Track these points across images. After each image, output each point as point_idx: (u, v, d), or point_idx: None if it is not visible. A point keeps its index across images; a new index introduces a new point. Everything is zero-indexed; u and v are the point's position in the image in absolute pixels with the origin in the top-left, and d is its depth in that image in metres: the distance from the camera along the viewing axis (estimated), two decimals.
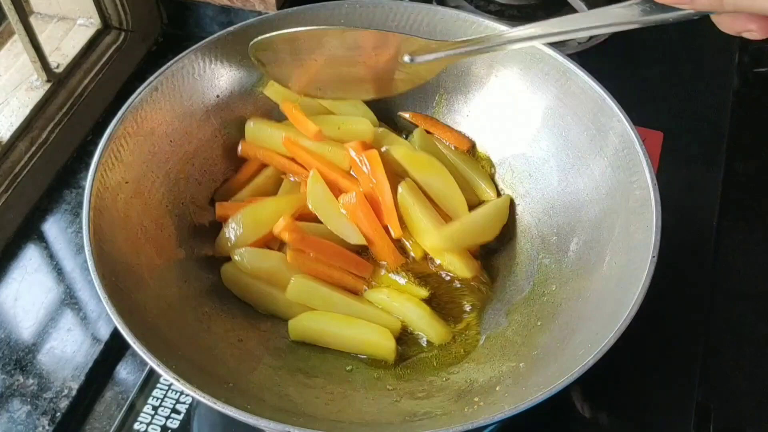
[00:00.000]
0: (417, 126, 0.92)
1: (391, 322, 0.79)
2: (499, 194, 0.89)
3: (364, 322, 0.78)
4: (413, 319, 0.79)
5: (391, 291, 0.80)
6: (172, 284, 0.77)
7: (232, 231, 0.81)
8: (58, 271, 0.92)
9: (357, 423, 0.70)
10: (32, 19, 0.98)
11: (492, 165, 0.90)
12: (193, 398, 0.80)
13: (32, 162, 0.97)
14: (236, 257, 0.79)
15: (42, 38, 1.00)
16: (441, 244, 0.81)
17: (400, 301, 0.80)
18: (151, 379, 0.82)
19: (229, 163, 0.88)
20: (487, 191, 0.88)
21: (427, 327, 0.79)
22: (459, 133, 0.92)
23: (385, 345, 0.77)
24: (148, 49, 1.16)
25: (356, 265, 0.81)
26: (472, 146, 0.92)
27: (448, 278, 0.83)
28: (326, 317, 0.78)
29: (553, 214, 0.85)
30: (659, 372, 0.84)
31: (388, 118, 0.93)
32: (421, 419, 0.71)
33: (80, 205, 0.98)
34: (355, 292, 0.81)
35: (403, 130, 0.93)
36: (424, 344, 0.79)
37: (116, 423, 0.79)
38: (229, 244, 0.81)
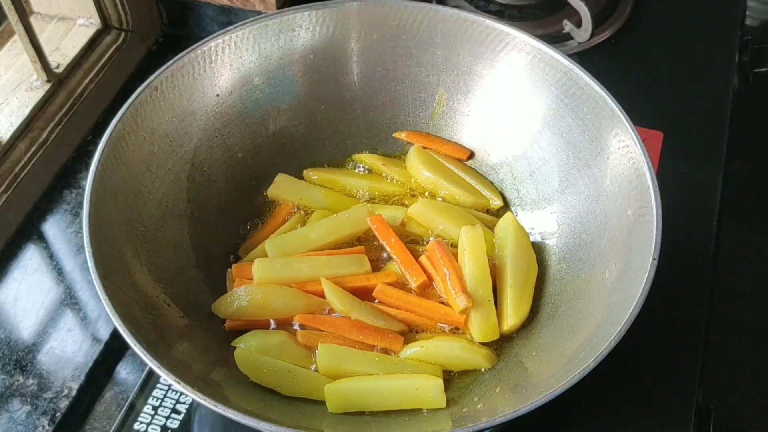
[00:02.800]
0: (413, 144, 0.92)
1: (432, 370, 0.75)
2: (504, 200, 0.89)
3: (406, 375, 0.73)
4: (457, 355, 0.76)
5: (422, 341, 0.77)
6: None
7: (236, 300, 0.78)
8: (58, 271, 0.92)
9: None
10: (32, 19, 0.98)
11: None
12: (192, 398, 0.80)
13: (32, 162, 0.97)
14: (241, 345, 0.75)
15: (42, 38, 1.00)
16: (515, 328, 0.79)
17: (436, 344, 0.76)
18: (151, 379, 0.82)
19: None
20: (493, 200, 0.88)
21: (474, 354, 0.76)
22: (455, 144, 0.92)
23: (435, 391, 0.71)
24: (148, 49, 1.16)
25: (382, 338, 0.77)
26: (471, 155, 0.92)
27: None
28: (365, 378, 0.73)
29: (554, 215, 0.85)
30: (659, 372, 0.84)
31: (383, 140, 0.94)
32: (422, 419, 0.71)
33: (80, 205, 0.98)
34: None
35: (398, 150, 0.93)
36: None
37: (116, 423, 0.79)
38: (230, 310, 0.78)
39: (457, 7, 0.92)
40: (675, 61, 1.14)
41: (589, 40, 1.12)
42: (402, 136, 0.93)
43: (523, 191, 0.88)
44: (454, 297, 0.77)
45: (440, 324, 0.79)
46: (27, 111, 0.98)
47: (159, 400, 0.81)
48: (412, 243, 0.85)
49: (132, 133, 0.77)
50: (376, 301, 0.79)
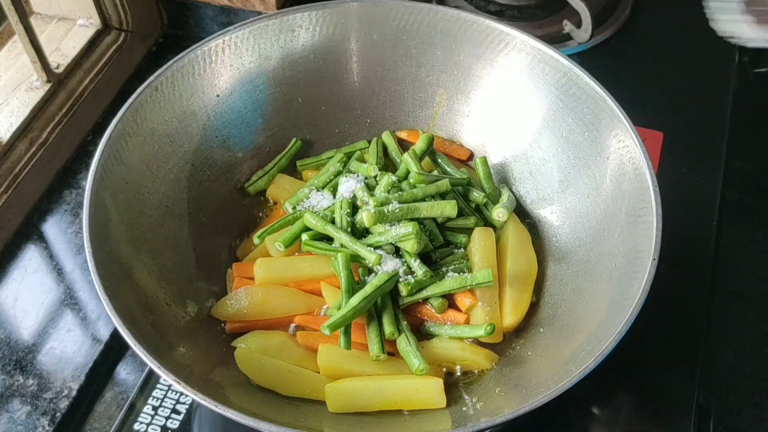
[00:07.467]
0: (413, 144, 0.91)
1: (432, 370, 0.74)
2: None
3: (406, 375, 0.74)
4: (457, 355, 0.76)
5: (422, 341, 0.77)
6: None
7: (237, 302, 0.78)
8: (58, 272, 0.92)
9: None
10: (32, 19, 0.98)
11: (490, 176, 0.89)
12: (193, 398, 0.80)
13: (32, 162, 0.97)
14: (242, 345, 0.76)
15: (42, 38, 1.00)
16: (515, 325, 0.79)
17: (436, 344, 0.76)
18: (151, 380, 0.82)
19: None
20: (495, 218, 0.84)
21: (474, 355, 0.76)
22: (456, 144, 0.93)
23: (435, 391, 0.71)
24: (148, 49, 1.16)
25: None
26: (471, 155, 0.92)
27: None
28: (365, 378, 0.73)
29: (554, 215, 0.85)
30: (659, 372, 0.84)
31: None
32: (422, 419, 0.71)
33: (80, 205, 0.98)
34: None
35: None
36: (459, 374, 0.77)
37: (116, 423, 0.79)
38: (230, 312, 0.78)
39: (457, 7, 0.92)
40: (675, 61, 1.14)
41: (589, 40, 1.12)
42: (403, 135, 0.93)
43: (523, 191, 0.88)
44: (459, 296, 0.78)
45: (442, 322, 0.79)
46: (27, 111, 0.98)
47: (159, 401, 0.81)
48: None
49: (132, 133, 0.77)
50: None
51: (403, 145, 0.92)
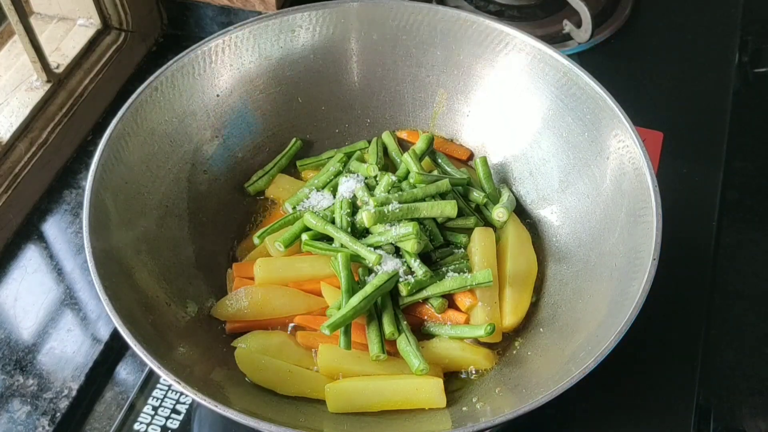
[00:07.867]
0: (413, 144, 0.91)
1: (432, 370, 0.73)
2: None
3: (406, 375, 0.74)
4: (457, 355, 0.76)
5: (422, 341, 0.77)
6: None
7: (237, 302, 0.78)
8: (58, 272, 0.92)
9: None
10: (32, 19, 0.98)
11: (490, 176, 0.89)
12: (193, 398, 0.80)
13: (32, 162, 0.97)
14: (242, 345, 0.76)
15: (42, 38, 1.00)
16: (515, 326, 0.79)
17: (436, 344, 0.76)
18: (151, 380, 0.82)
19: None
20: (495, 218, 0.84)
21: (474, 354, 0.76)
22: (456, 144, 0.93)
23: (435, 391, 0.71)
24: (148, 49, 1.16)
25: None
26: (471, 155, 0.92)
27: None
28: (365, 378, 0.73)
29: (554, 215, 0.85)
30: (659, 372, 0.84)
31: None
32: (422, 419, 0.71)
33: (80, 205, 0.98)
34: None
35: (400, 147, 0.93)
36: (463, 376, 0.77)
37: (116, 423, 0.79)
38: (230, 312, 0.78)
39: (457, 7, 0.92)
40: (675, 61, 1.14)
41: (589, 40, 1.12)
42: (403, 135, 0.93)
43: (523, 191, 0.88)
44: (459, 296, 0.78)
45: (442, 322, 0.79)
46: (27, 111, 0.98)
47: (159, 401, 0.81)
48: None
49: (132, 133, 0.77)
50: None
51: (403, 145, 0.92)
